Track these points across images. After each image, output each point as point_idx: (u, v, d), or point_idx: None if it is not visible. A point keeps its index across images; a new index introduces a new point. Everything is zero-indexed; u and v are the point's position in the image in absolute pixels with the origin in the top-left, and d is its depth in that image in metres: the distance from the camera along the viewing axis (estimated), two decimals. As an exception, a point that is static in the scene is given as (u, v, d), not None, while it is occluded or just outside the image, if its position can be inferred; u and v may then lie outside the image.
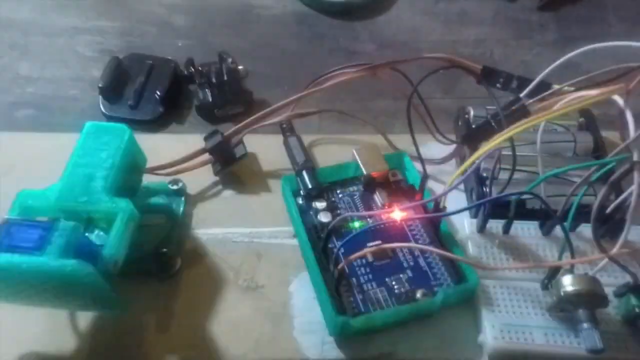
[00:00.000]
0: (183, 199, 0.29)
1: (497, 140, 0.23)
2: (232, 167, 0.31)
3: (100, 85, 0.35)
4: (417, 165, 0.29)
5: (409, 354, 0.25)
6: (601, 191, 0.22)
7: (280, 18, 0.42)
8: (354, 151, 0.30)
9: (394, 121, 0.35)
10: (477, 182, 0.29)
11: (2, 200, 0.24)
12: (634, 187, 0.22)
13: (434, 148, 0.32)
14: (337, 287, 0.25)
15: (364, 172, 0.29)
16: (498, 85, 0.29)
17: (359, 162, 0.29)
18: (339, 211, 0.29)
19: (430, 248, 0.26)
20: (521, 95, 0.27)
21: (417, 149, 0.28)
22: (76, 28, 0.41)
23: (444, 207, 0.27)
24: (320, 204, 0.28)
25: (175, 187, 0.29)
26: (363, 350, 0.25)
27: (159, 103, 0.35)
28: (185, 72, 0.36)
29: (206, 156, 0.30)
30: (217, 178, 0.31)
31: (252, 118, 0.30)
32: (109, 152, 0.24)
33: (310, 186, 0.29)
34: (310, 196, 0.29)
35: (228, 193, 0.31)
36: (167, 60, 0.37)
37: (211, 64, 0.35)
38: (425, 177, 0.28)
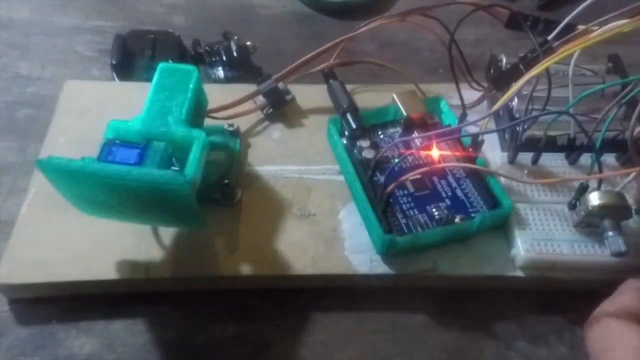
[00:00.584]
0: (238, 140, 0.32)
1: (538, 68, 0.26)
2: (281, 110, 0.33)
3: (113, 62, 0.36)
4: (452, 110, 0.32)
5: (448, 271, 0.28)
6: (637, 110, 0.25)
7: (280, 18, 0.43)
8: (394, 95, 0.32)
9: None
10: (510, 121, 0.31)
11: (80, 138, 0.27)
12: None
13: (467, 95, 0.34)
14: (384, 211, 0.28)
15: (404, 114, 0.32)
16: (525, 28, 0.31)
17: (399, 104, 0.32)
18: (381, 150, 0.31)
19: (469, 165, 0.29)
20: (548, 38, 0.29)
21: (459, 90, 0.31)
22: (76, 28, 0.41)
23: (482, 141, 0.29)
24: (364, 142, 0.31)
25: (231, 128, 0.32)
26: (407, 266, 0.28)
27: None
28: (193, 53, 0.38)
29: (255, 102, 0.33)
30: (267, 122, 0.34)
31: (295, 64, 0.33)
32: (181, 89, 0.27)
33: (354, 126, 0.31)
34: (355, 136, 0.31)
35: (277, 135, 0.33)
36: (168, 32, 0.38)
37: (216, 43, 0.37)
38: (464, 115, 0.30)
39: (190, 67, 0.27)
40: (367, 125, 0.32)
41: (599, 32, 0.25)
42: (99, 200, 0.24)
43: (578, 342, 0.27)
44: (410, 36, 0.42)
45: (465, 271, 0.28)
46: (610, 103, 0.27)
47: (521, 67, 0.30)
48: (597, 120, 0.27)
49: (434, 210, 0.29)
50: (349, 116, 0.32)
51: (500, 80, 0.32)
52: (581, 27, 0.28)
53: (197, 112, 0.28)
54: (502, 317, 0.28)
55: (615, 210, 0.25)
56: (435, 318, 0.28)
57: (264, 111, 0.33)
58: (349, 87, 0.35)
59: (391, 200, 0.29)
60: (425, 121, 0.32)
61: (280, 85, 0.33)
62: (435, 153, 0.30)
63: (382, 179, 0.29)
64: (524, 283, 0.28)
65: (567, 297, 0.28)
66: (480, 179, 0.30)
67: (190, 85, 0.27)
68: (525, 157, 0.30)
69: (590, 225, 0.27)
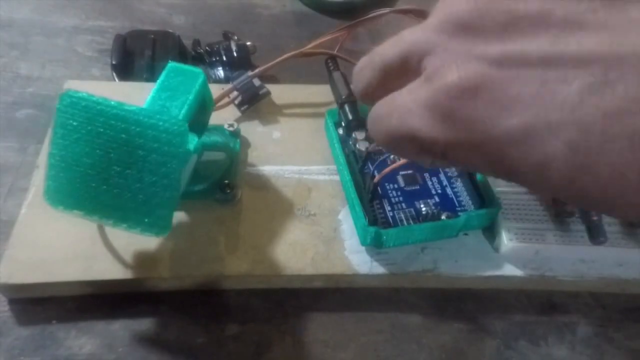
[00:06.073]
0: (238, 140, 0.32)
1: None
2: (256, 105, 0.34)
3: (113, 62, 0.36)
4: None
5: (448, 271, 0.28)
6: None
7: (280, 18, 0.43)
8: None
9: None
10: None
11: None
12: None
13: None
14: (370, 202, 0.28)
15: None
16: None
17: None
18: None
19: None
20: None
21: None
22: (76, 28, 0.41)
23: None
24: (359, 134, 0.31)
25: (231, 129, 0.32)
26: (407, 266, 0.28)
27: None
28: (193, 53, 0.38)
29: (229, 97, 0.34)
30: (267, 122, 0.34)
31: (273, 62, 0.33)
32: (184, 90, 0.27)
33: (351, 117, 0.31)
34: (351, 127, 0.31)
35: (277, 135, 0.34)
36: (168, 32, 0.38)
37: (216, 43, 0.37)
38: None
39: (196, 70, 0.27)
40: (365, 118, 0.32)
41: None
42: (81, 162, 0.23)
43: (578, 342, 0.27)
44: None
45: (465, 271, 0.28)
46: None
47: None
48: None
49: (421, 205, 0.29)
50: (346, 107, 0.32)
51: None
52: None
53: (199, 116, 0.28)
54: (502, 317, 0.28)
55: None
56: (435, 318, 0.28)
57: (241, 109, 0.34)
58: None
59: (380, 193, 0.29)
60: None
61: (255, 81, 0.33)
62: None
63: (372, 168, 0.29)
64: (523, 283, 0.28)
65: (567, 297, 0.28)
66: (472, 179, 0.30)
67: (194, 89, 0.26)
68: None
69: (572, 214, 0.27)
